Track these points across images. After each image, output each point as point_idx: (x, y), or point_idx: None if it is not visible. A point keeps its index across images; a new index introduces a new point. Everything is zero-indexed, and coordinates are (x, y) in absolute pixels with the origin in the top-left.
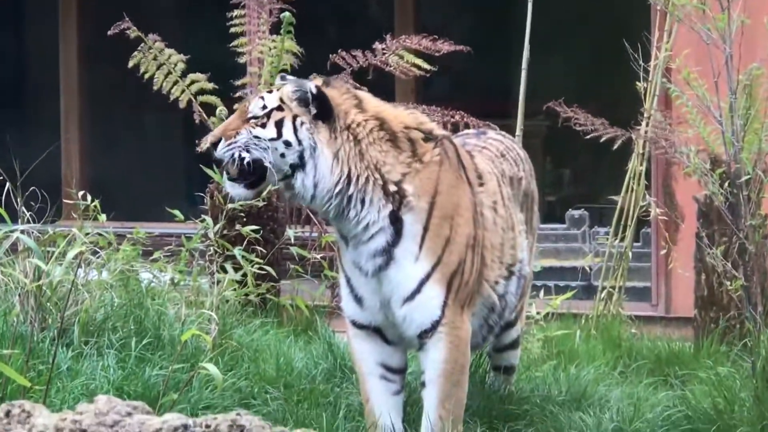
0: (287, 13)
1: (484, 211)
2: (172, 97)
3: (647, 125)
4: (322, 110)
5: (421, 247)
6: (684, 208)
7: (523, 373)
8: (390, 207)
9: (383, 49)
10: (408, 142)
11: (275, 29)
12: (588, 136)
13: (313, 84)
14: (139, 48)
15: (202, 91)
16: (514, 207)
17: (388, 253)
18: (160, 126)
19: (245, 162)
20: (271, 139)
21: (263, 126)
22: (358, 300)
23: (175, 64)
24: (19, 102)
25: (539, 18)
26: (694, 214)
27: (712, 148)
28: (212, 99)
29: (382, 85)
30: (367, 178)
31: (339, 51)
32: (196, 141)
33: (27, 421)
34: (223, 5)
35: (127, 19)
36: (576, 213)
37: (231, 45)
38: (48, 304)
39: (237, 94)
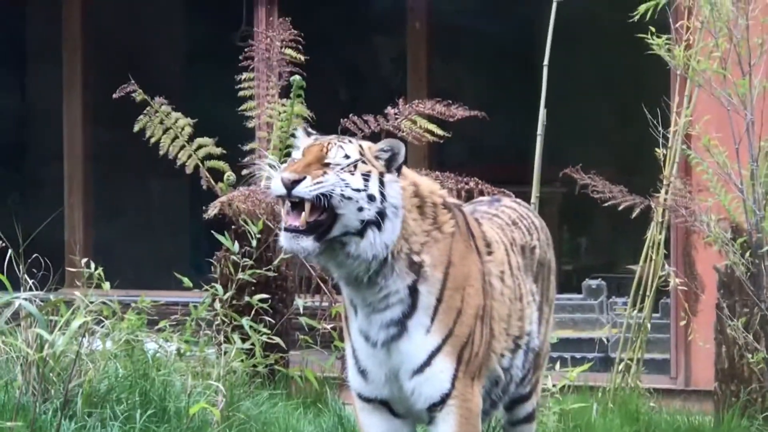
0: (297, 77)
1: (492, 281)
2: (178, 162)
3: (667, 193)
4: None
5: (433, 319)
6: (704, 278)
7: None
8: (412, 277)
9: (395, 113)
10: (432, 207)
11: (285, 93)
12: (606, 204)
13: (403, 147)
14: (145, 111)
15: (209, 156)
16: (523, 277)
17: (401, 325)
18: (166, 191)
19: (332, 205)
20: (356, 190)
21: (351, 173)
22: (363, 373)
23: (182, 128)
24: (21, 165)
25: (556, 83)
26: (714, 285)
27: (733, 216)
28: (220, 164)
29: None
30: (400, 247)
31: (350, 115)
32: (204, 207)
33: None
34: (232, 68)
35: (133, 81)
36: (593, 283)
37: (240, 109)
38: (51, 374)
39: (245, 160)
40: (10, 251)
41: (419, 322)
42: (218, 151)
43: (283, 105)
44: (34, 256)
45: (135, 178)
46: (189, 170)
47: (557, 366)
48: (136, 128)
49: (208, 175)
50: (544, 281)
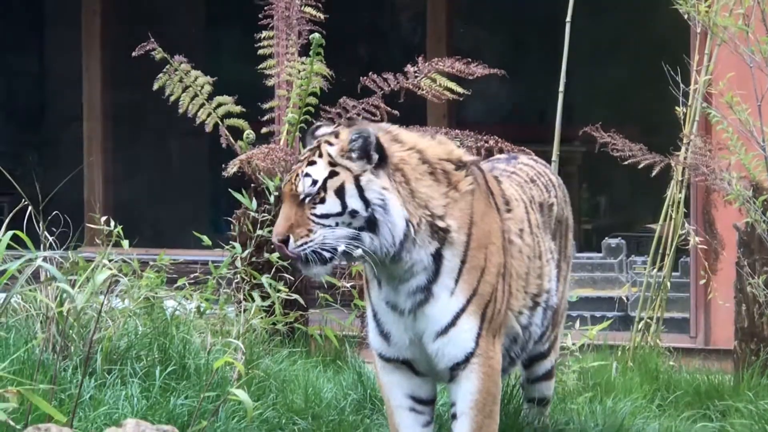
0: (317, 35)
1: (512, 238)
2: (198, 121)
3: (687, 151)
4: (381, 156)
5: (457, 280)
6: (724, 237)
7: (558, 405)
8: (436, 245)
9: (415, 72)
10: (443, 173)
11: (304, 51)
12: (626, 162)
13: (371, 129)
14: (164, 70)
15: (228, 114)
16: (542, 234)
17: (427, 290)
18: (186, 150)
19: (325, 255)
20: (337, 214)
21: (323, 201)
22: (386, 336)
23: (202, 87)
24: (40, 126)
25: (577, 41)
26: (734, 243)
27: (753, 175)
28: (239, 122)
29: (414, 109)
30: (420, 218)
31: (370, 73)
32: (223, 165)
33: None
34: (252, 26)
35: (152, 40)
36: (613, 242)
37: (259, 67)
38: (71, 332)
39: (265, 118)
40: (30, 209)
41: (444, 286)
42: (238, 109)
43: (302, 63)
44: (54, 213)
45: (154, 137)
46: (208, 129)
47: (577, 324)
48: (155, 87)
49: (228, 134)
50: (561, 238)
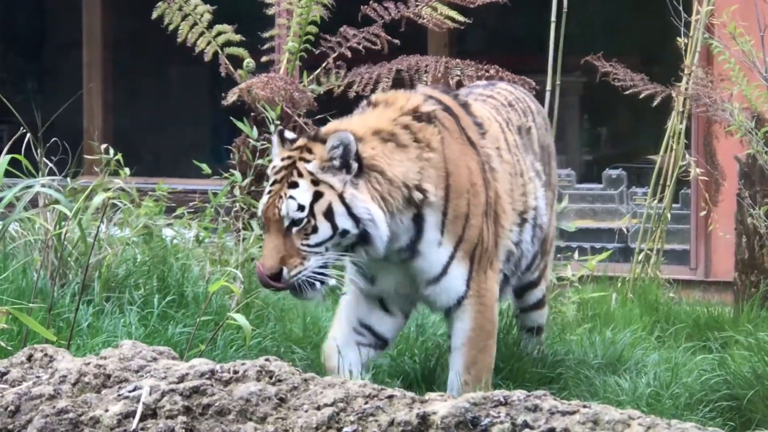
0: None
1: (492, 163)
2: (197, 50)
3: (688, 82)
4: (359, 163)
5: (442, 232)
6: (725, 168)
7: (557, 335)
8: (413, 210)
9: (416, 0)
10: (405, 130)
11: None
12: (627, 92)
13: (350, 135)
14: None
15: (228, 43)
16: (522, 154)
17: (411, 249)
18: (185, 79)
19: (317, 279)
20: (330, 238)
21: (315, 230)
22: (371, 279)
23: (201, 15)
24: (40, 53)
25: None
26: (735, 175)
27: (755, 106)
28: (239, 51)
29: (415, 38)
30: (397, 197)
31: (370, 2)
32: (222, 94)
33: (50, 366)
34: None
35: None
36: (613, 173)
37: None
38: (69, 258)
39: (265, 47)
40: (28, 136)
41: (429, 241)
42: (237, 38)
43: None
44: (52, 140)
45: (154, 65)
46: (208, 57)
47: (576, 255)
48: (154, 15)
49: (227, 62)
50: (545, 165)
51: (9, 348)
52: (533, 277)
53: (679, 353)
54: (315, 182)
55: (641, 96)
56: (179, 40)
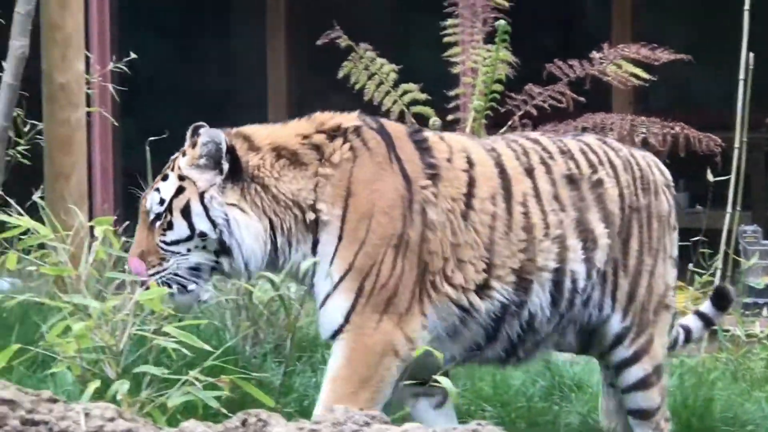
0: (502, 22)
1: (427, 208)
2: (383, 108)
3: None
4: (233, 167)
5: (332, 261)
6: None
7: (747, 393)
8: (311, 237)
9: (601, 58)
10: (313, 151)
11: (489, 38)
12: None
13: (221, 134)
14: (349, 57)
15: (414, 102)
16: (550, 206)
17: (311, 282)
18: None
19: (185, 282)
20: (188, 238)
21: (170, 226)
22: None
23: (387, 74)
24: (225, 112)
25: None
26: None
27: None
28: (425, 110)
29: (600, 95)
30: (289, 220)
31: (555, 60)
32: None
33: (263, 431)
34: (435, 14)
35: (337, 27)
36: None
37: (444, 54)
38: (259, 319)
39: (450, 105)
40: None
41: (322, 270)
42: (423, 96)
43: (488, 50)
44: None
45: None
46: (394, 116)
47: (764, 311)
48: (340, 74)
49: (414, 121)
50: (642, 228)
51: (229, 414)
52: (627, 353)
53: None
54: (181, 177)
55: None
56: (365, 99)
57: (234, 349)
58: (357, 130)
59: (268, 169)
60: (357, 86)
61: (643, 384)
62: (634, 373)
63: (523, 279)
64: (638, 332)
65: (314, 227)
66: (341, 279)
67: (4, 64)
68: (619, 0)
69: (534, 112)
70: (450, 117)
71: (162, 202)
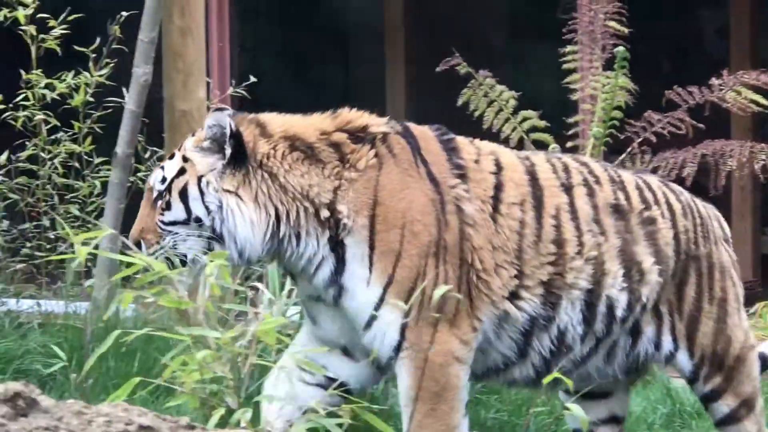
0: (621, 48)
1: (462, 204)
2: (502, 135)
3: None
4: (238, 152)
5: (371, 269)
6: None
7: None
8: (327, 233)
9: (720, 84)
10: (332, 148)
11: (608, 65)
12: None
13: (227, 117)
14: (468, 84)
15: (533, 129)
16: (589, 227)
17: (337, 283)
18: None
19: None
20: (185, 222)
21: (168, 206)
22: (312, 319)
23: (507, 101)
24: None
25: None
26: None
27: None
28: (544, 137)
29: (719, 122)
30: (297, 211)
31: (674, 87)
32: None
33: None
34: (554, 40)
35: (457, 54)
36: None
37: (564, 81)
38: None
39: (570, 132)
40: None
41: (356, 275)
42: (542, 123)
43: (607, 77)
44: None
45: None
46: (513, 143)
47: None
48: (460, 101)
49: (533, 148)
50: (702, 276)
51: None
52: (704, 390)
53: None
54: (185, 158)
55: None
56: (484, 126)
57: None
58: (384, 136)
59: (278, 158)
60: (476, 113)
61: (730, 419)
62: (719, 408)
63: (551, 293)
64: (710, 372)
65: (332, 226)
66: (385, 291)
67: (126, 91)
68: (737, 26)
69: (653, 138)
70: (569, 144)
71: (164, 180)
